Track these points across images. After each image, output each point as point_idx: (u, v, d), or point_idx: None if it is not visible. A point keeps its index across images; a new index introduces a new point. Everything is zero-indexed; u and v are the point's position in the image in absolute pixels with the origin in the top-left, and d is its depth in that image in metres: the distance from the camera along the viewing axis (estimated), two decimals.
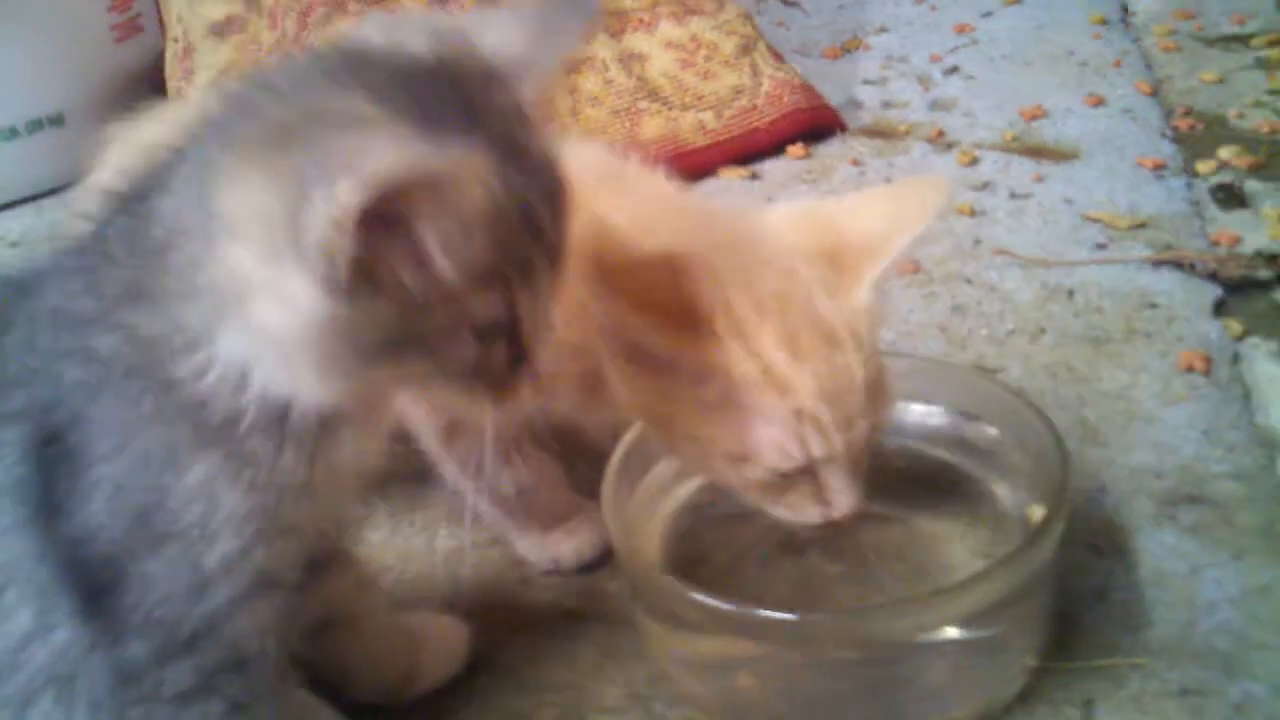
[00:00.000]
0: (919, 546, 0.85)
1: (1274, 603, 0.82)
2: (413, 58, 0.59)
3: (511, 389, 0.63)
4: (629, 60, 1.58)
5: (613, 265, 0.74)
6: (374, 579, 0.85)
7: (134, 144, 0.93)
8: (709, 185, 1.51)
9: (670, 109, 1.56)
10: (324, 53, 0.60)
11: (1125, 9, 1.90)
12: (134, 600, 0.59)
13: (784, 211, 0.83)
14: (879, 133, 1.60)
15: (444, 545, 0.95)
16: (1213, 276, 1.19)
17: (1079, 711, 0.76)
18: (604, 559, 0.90)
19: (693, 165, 1.48)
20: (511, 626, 0.86)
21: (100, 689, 0.60)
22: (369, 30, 0.62)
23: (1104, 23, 1.87)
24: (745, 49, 1.62)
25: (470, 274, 0.56)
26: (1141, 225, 1.30)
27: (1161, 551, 0.87)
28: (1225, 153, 1.39)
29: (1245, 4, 1.79)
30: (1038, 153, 1.50)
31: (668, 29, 1.61)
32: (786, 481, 0.75)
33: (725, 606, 0.71)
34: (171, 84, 1.59)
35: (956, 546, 0.85)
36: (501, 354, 0.61)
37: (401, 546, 0.95)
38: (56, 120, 1.67)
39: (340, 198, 0.49)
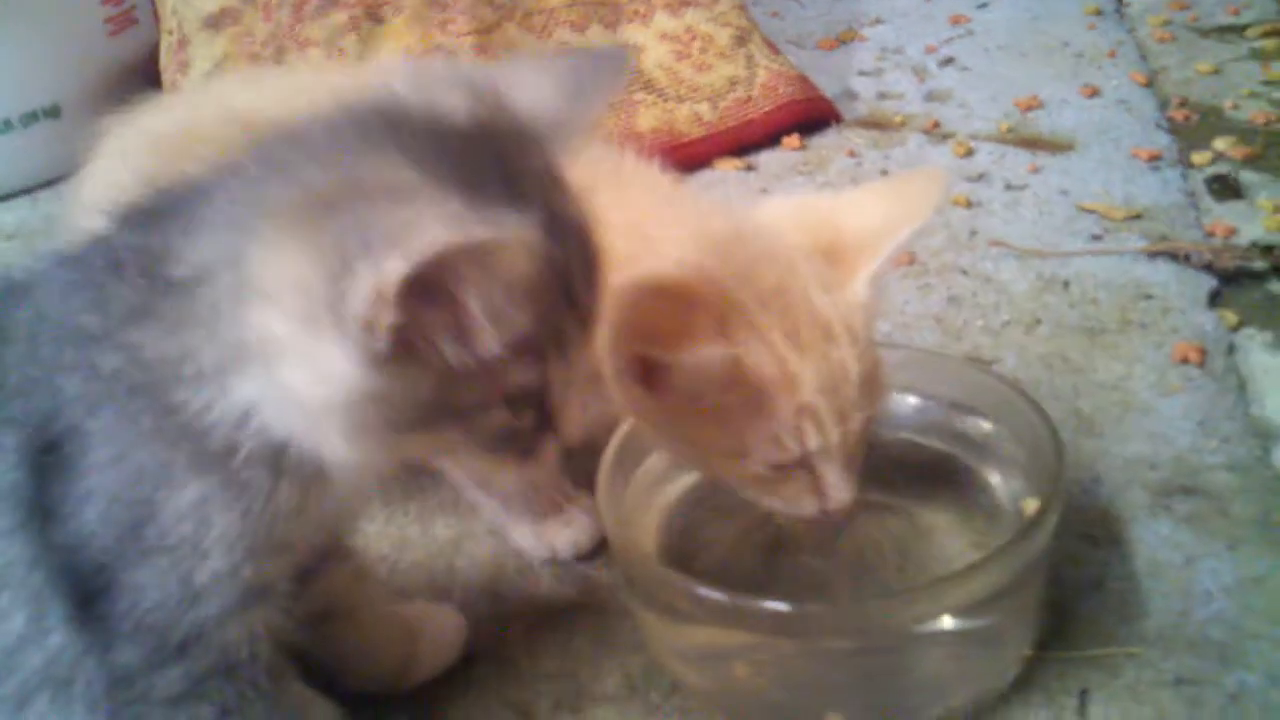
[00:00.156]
0: (914, 538, 0.85)
1: (1269, 593, 0.82)
2: (449, 119, 0.58)
3: (536, 454, 0.63)
4: None
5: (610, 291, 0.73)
6: (371, 569, 0.85)
7: (132, 138, 0.93)
8: (705, 177, 1.51)
9: (665, 101, 1.56)
10: (356, 109, 0.59)
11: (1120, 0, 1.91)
12: (125, 607, 0.59)
13: (780, 206, 0.83)
14: (874, 124, 1.60)
15: (441, 535, 0.95)
16: (1208, 268, 1.19)
17: (1074, 700, 0.76)
18: (600, 549, 0.90)
19: (688, 157, 1.48)
20: (508, 617, 0.87)
21: (96, 691, 0.61)
22: (399, 85, 0.61)
23: (1099, 13, 1.87)
24: (740, 40, 1.62)
25: (510, 343, 0.55)
26: (1137, 216, 1.30)
27: (1156, 542, 0.87)
28: (1220, 144, 1.39)
29: None
30: (1033, 144, 1.50)
31: (663, 20, 1.60)
32: (782, 475, 0.75)
33: (721, 597, 0.71)
34: (166, 77, 1.59)
35: (952, 538, 0.85)
36: (530, 420, 0.61)
37: (396, 535, 0.96)
38: (51, 113, 1.67)
39: (386, 270, 0.49)
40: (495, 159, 0.57)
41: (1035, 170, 1.43)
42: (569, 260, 0.58)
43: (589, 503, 0.86)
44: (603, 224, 0.62)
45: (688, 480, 0.88)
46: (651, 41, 1.59)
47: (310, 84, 1.01)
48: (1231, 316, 1.11)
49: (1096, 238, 1.27)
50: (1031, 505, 0.79)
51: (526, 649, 0.84)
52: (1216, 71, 1.59)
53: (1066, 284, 1.20)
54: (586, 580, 0.90)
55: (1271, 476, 0.92)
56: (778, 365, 0.72)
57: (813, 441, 0.73)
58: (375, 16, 1.52)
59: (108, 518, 0.58)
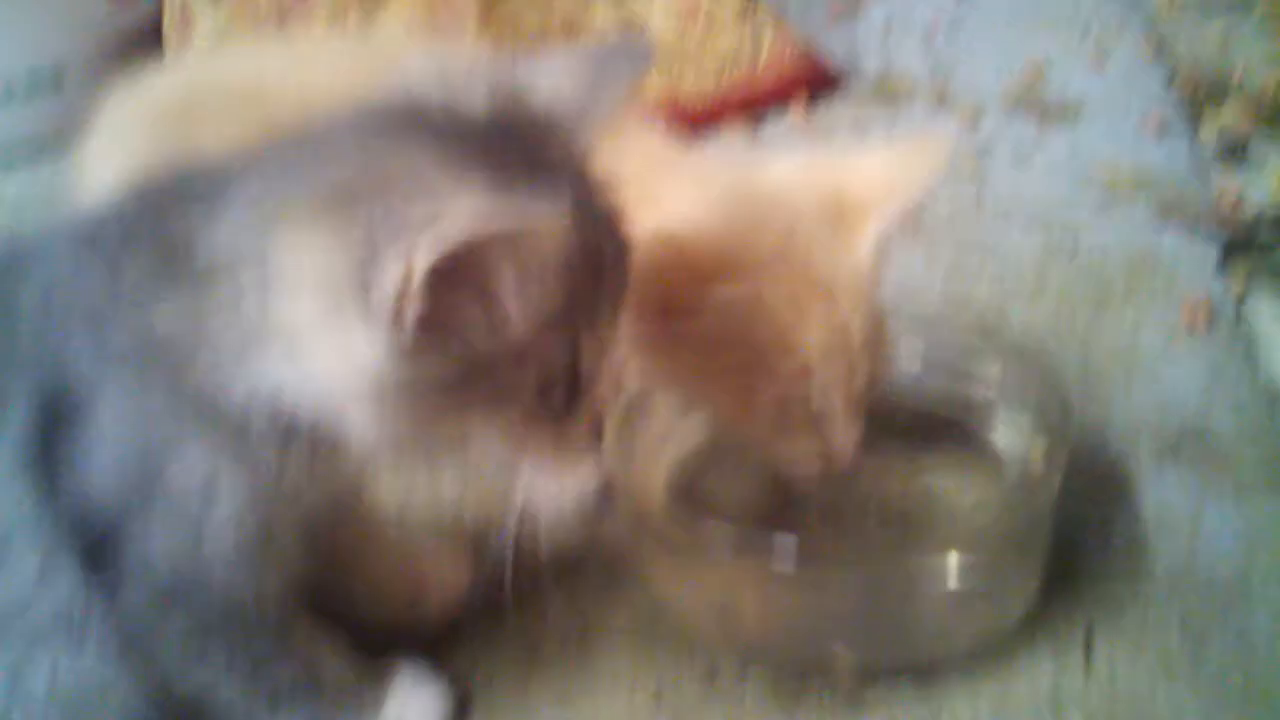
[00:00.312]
0: (920, 496, 0.86)
1: (1277, 538, 0.83)
2: (471, 109, 0.59)
3: (564, 433, 0.63)
4: (630, 24, 1.57)
5: None
6: (378, 510, 0.84)
7: (134, 108, 0.93)
8: (710, 146, 1.50)
9: (670, 71, 1.55)
10: (378, 103, 0.60)
11: None
12: (132, 552, 0.60)
13: (786, 165, 0.83)
14: (881, 93, 1.59)
15: (448, 476, 0.94)
16: (1215, 235, 1.19)
17: (1080, 638, 0.76)
18: (607, 498, 0.90)
19: (694, 126, 1.47)
20: (515, 560, 0.86)
21: (107, 633, 0.61)
22: (418, 77, 0.61)
23: None
24: (745, 10, 1.61)
25: (539, 325, 0.56)
26: (1144, 184, 1.30)
27: (1164, 491, 0.88)
28: (1228, 112, 1.39)
29: None
30: (1040, 112, 1.49)
31: None
32: (787, 434, 0.75)
33: (731, 529, 0.72)
34: (170, 46, 1.59)
35: (960, 494, 0.85)
36: (559, 400, 0.61)
37: (403, 480, 0.94)
38: (53, 82, 1.66)
39: (415, 256, 0.49)
40: (518, 147, 0.58)
41: (1042, 138, 1.42)
42: (598, 242, 0.59)
43: (596, 454, 0.86)
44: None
45: (696, 438, 0.88)
46: (657, 13, 1.58)
47: (313, 54, 1.01)
48: (1239, 282, 1.10)
49: (1104, 206, 1.27)
50: (1039, 448, 0.79)
51: (533, 589, 0.83)
52: (1225, 40, 1.58)
53: (1074, 252, 1.19)
54: (594, 528, 0.89)
55: (1279, 432, 0.92)
56: (783, 321, 0.72)
57: (817, 401, 0.73)
58: None
59: (116, 467, 0.58)
